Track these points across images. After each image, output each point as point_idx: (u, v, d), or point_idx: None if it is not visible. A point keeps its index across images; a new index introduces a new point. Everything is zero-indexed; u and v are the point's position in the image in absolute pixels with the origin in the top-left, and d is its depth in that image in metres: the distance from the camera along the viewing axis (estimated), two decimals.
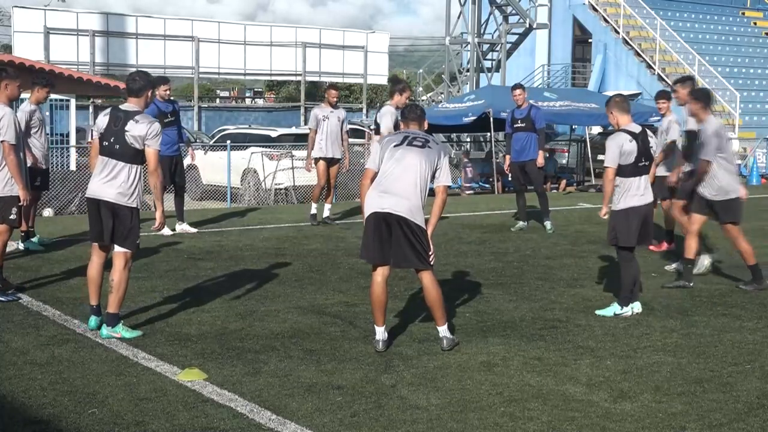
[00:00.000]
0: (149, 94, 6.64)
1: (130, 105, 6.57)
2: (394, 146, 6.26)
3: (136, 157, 6.47)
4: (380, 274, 6.22)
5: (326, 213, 13.20)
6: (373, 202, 6.18)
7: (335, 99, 12.82)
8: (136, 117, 6.45)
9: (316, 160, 12.72)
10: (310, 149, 12.75)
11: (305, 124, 33.69)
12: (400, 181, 6.14)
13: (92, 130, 6.69)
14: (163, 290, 8.18)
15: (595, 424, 4.86)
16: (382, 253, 6.16)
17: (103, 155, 6.52)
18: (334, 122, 12.67)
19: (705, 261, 9.28)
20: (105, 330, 6.51)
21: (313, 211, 12.99)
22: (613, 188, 7.46)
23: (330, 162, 12.81)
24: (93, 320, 6.68)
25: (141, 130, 6.41)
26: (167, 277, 8.80)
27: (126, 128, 6.41)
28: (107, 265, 6.71)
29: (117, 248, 6.56)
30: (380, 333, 6.27)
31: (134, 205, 6.54)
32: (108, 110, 6.65)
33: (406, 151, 6.21)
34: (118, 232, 6.53)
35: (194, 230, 12.10)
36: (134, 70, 7.06)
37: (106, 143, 6.50)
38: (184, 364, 5.83)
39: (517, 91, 12.70)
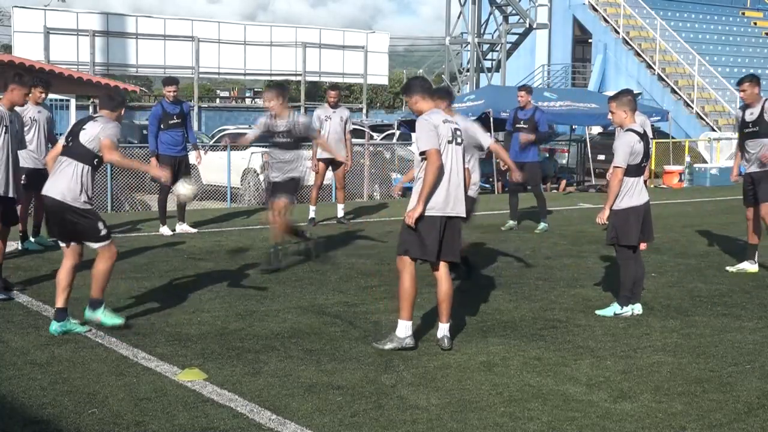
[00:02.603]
0: (121, 112, 6.84)
1: (100, 113, 6.75)
2: (447, 142, 6.26)
3: (85, 156, 6.50)
4: (414, 268, 6.29)
5: (340, 213, 13.27)
6: (441, 205, 6.21)
7: (334, 99, 12.80)
8: (96, 118, 6.63)
9: (318, 160, 12.72)
10: (314, 149, 12.71)
11: None
12: (457, 182, 6.28)
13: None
14: (163, 290, 8.19)
15: (595, 424, 4.86)
16: (437, 251, 6.24)
17: (60, 155, 6.64)
18: (336, 122, 12.64)
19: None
20: (87, 312, 6.59)
21: (312, 215, 12.97)
22: (619, 189, 7.43)
23: (333, 163, 12.80)
24: (53, 325, 6.50)
25: (96, 127, 6.54)
26: (167, 277, 8.80)
27: (84, 126, 6.57)
28: (86, 266, 6.74)
29: (92, 245, 6.58)
30: (410, 328, 6.26)
31: (77, 206, 6.45)
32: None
33: (457, 151, 6.30)
34: (74, 233, 6.54)
35: (194, 230, 12.10)
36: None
37: (65, 143, 6.67)
38: (184, 364, 5.83)
39: (522, 93, 12.72)
